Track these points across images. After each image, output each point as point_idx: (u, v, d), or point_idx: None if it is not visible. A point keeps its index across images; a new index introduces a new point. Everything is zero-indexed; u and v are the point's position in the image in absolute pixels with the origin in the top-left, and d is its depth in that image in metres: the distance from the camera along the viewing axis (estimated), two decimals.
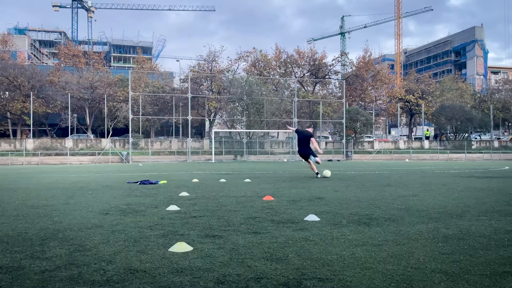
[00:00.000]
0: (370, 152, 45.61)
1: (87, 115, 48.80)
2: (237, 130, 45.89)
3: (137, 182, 10.82)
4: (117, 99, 47.28)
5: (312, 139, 13.07)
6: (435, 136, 58.19)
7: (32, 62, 65.31)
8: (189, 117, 41.77)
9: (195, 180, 11.62)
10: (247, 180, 11.39)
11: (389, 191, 7.99)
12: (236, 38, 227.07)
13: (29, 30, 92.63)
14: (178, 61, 72.80)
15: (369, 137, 53.63)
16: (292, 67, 55.42)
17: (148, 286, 2.44)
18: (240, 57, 53.45)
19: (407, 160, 39.30)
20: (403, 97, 55.26)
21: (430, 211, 5.32)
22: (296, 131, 13.86)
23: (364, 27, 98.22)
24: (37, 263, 2.92)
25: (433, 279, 2.53)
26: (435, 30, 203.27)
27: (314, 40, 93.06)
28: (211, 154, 39.31)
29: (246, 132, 43.70)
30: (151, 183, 10.39)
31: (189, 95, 41.77)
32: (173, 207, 5.66)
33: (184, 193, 7.63)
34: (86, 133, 48.47)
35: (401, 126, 61.18)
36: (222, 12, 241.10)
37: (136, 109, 44.34)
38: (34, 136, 45.41)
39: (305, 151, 12.94)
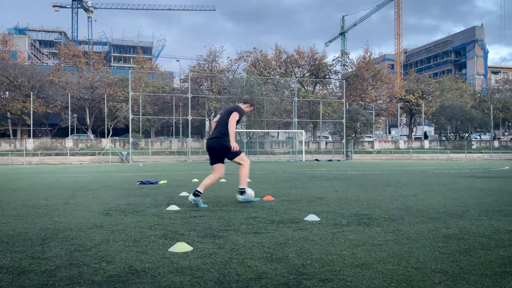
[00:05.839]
0: (370, 152, 45.60)
1: (87, 115, 48.80)
2: (237, 130, 45.87)
3: (143, 182, 10.67)
4: (117, 99, 47.29)
5: None
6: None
7: (32, 62, 65.31)
8: (189, 117, 41.77)
9: (195, 180, 11.61)
10: (247, 180, 11.37)
11: (389, 191, 7.99)
12: (237, 38, 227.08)
13: (29, 30, 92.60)
14: (178, 61, 72.89)
15: (369, 137, 53.66)
16: (292, 67, 55.42)
17: (148, 286, 2.43)
18: (240, 57, 53.49)
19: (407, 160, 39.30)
20: (403, 97, 55.26)
21: (430, 211, 5.32)
22: None
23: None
24: (37, 263, 2.91)
25: (433, 279, 2.53)
26: (435, 30, 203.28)
27: (330, 41, 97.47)
28: None
29: (246, 132, 43.69)
30: (151, 183, 10.38)
31: (189, 95, 41.78)
32: (173, 207, 5.66)
33: (184, 193, 7.62)
34: (86, 133, 48.46)
35: (401, 126, 61.18)
36: (223, 11, 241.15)
37: (136, 109, 44.34)
38: (34, 136, 45.40)
39: None
